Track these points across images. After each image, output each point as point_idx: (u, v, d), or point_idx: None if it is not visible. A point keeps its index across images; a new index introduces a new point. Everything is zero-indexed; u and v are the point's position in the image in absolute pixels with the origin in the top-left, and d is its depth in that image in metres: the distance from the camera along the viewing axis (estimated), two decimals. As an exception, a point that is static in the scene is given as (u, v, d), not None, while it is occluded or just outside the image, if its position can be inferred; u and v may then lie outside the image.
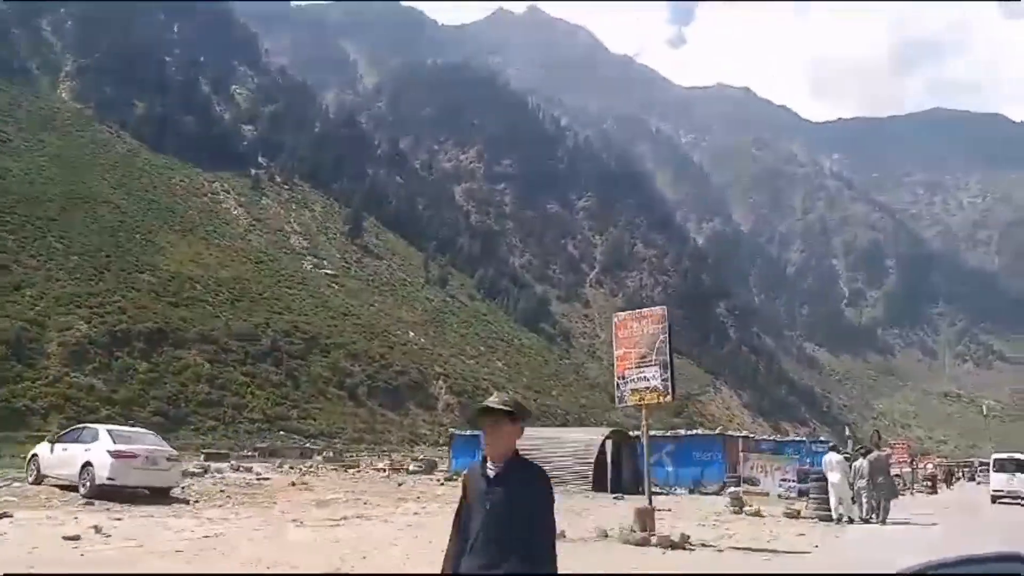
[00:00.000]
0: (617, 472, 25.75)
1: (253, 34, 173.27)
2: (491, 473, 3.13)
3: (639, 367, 12.66)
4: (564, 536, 11.19)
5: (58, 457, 15.90)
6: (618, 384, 13.09)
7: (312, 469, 32.02)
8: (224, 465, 25.11)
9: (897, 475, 34.79)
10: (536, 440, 28.47)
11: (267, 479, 21.06)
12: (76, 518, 11.76)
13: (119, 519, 11.94)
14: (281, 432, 57.80)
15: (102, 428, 16.53)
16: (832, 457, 18.02)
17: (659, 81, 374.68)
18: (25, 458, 18.31)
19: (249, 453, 42.67)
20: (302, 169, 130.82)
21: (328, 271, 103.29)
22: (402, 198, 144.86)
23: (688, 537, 11.07)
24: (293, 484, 20.25)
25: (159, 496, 15.25)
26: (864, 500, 17.78)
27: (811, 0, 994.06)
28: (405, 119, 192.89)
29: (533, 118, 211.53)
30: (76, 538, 9.51)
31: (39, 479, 16.30)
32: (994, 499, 27.59)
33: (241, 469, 24.24)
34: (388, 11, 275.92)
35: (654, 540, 10.81)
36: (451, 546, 3.20)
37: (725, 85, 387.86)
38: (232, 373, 63.35)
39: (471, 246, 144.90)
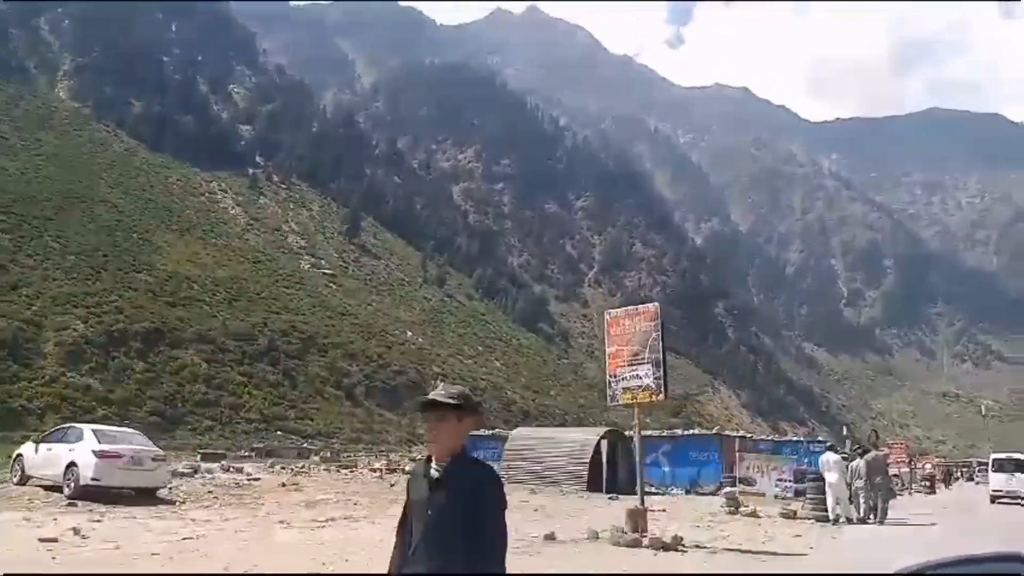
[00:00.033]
0: (612, 472, 25.55)
1: (251, 34, 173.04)
2: (434, 474, 2.82)
3: (631, 365, 12.43)
4: (554, 537, 11.03)
5: (43, 457, 15.67)
6: (610, 382, 12.86)
7: (303, 470, 31.81)
8: (214, 465, 24.86)
9: (895, 475, 34.68)
10: (530, 440, 28.31)
11: (257, 480, 20.84)
12: (55, 520, 11.56)
13: (99, 521, 11.74)
14: (278, 432, 57.58)
15: (87, 428, 16.31)
16: (829, 457, 17.84)
17: (658, 81, 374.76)
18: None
19: (246, 453, 42.45)
20: (300, 169, 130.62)
21: (326, 271, 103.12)
22: (400, 198, 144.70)
23: (681, 538, 10.84)
24: (283, 485, 20.04)
25: (145, 497, 15.02)
26: (862, 500, 17.62)
27: (810, 0, 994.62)
28: (403, 119, 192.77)
29: (532, 118, 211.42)
30: (53, 540, 9.31)
31: (24, 480, 16.07)
32: (993, 499, 27.52)
33: (231, 470, 23.99)
34: (387, 11, 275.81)
35: (646, 541, 10.60)
36: (393, 556, 2.93)
37: (724, 85, 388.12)
38: (229, 373, 63.14)
39: (469, 246, 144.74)
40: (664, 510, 17.93)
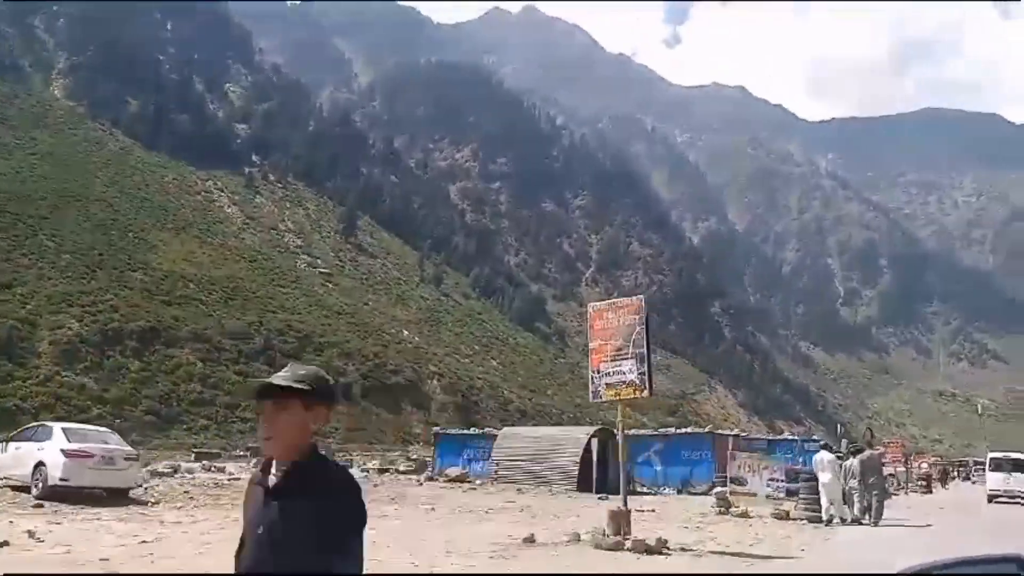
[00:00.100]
0: (603, 471, 25.38)
1: (247, 32, 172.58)
2: (272, 481, 2.21)
3: (615, 360, 11.97)
4: (534, 540, 10.78)
5: (12, 456, 15.30)
6: (593, 378, 12.41)
7: None
8: (195, 465, 24.66)
9: (891, 474, 34.65)
10: (520, 439, 28.17)
11: (238, 479, 20.65)
12: (11, 522, 11.21)
13: (58, 523, 11.44)
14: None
15: (57, 426, 15.96)
16: (823, 456, 17.73)
17: (655, 80, 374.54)
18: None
19: (241, 453, 42.36)
20: (296, 168, 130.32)
21: (322, 270, 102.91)
22: (397, 197, 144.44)
23: (665, 541, 10.56)
24: None
25: (117, 497, 14.65)
26: (856, 501, 17.49)
27: (807, 0, 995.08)
28: (400, 118, 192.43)
29: (529, 117, 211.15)
30: (3, 544, 9.04)
31: None
32: (990, 498, 27.48)
33: (212, 469, 23.78)
34: (383, 10, 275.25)
35: (628, 544, 10.28)
36: None
37: (721, 84, 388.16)
38: (225, 372, 62.88)
39: (466, 245, 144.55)
40: (653, 510, 17.80)
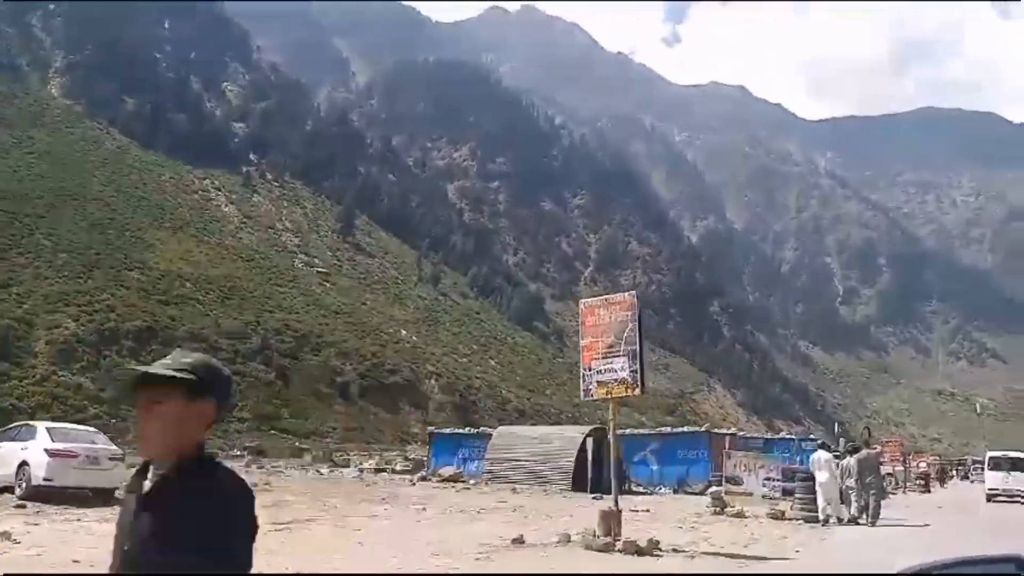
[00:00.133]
0: (598, 471, 25.18)
1: (245, 31, 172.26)
2: (147, 486, 1.91)
3: (606, 358, 11.69)
4: (523, 541, 10.60)
5: None
6: (584, 376, 12.10)
7: (279, 469, 31.44)
8: None
9: (889, 473, 34.53)
10: (515, 438, 28.00)
11: None
12: None
13: (37, 524, 11.25)
14: (272, 431, 57.29)
15: (41, 425, 15.75)
16: (820, 455, 17.57)
17: (654, 80, 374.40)
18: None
19: (238, 453, 42.27)
20: (294, 167, 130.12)
21: (320, 269, 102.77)
22: (395, 196, 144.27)
23: (657, 542, 10.35)
24: (254, 485, 19.59)
25: (103, 497, 14.41)
26: (853, 500, 17.34)
27: (806, 0, 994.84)
28: (398, 117, 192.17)
29: (527, 116, 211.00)
30: None
31: None
32: (989, 497, 27.43)
33: None
34: (381, 8, 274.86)
35: (619, 545, 10.08)
36: None
37: (720, 84, 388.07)
38: (221, 372, 62.77)
39: (464, 244, 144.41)
40: (648, 510, 17.64)
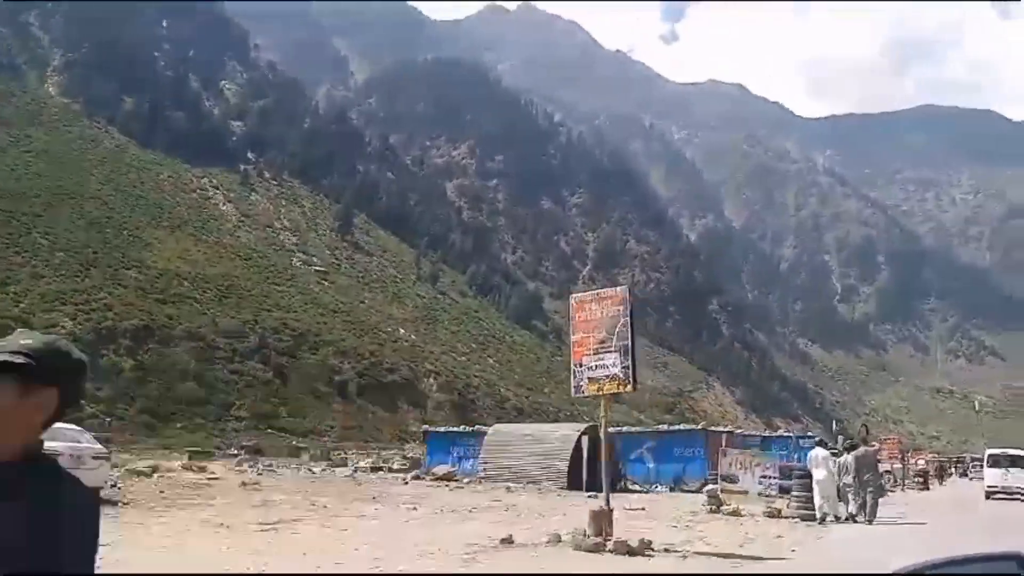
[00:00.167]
0: (594, 469, 25.13)
1: (244, 30, 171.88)
2: None
3: (597, 353, 11.39)
4: (511, 541, 10.44)
5: None
6: (575, 372, 11.77)
7: (271, 468, 31.28)
8: (175, 464, 24.37)
9: (888, 471, 34.43)
10: (510, 436, 27.83)
11: (218, 479, 20.31)
12: None
13: None
14: (269, 430, 57.16)
15: None
16: (818, 453, 17.47)
17: (652, 78, 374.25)
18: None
19: (236, 451, 42.16)
20: (292, 165, 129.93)
21: (318, 268, 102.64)
22: (393, 194, 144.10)
23: (649, 542, 10.17)
24: (244, 484, 19.43)
25: None
26: (850, 498, 17.24)
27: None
28: (397, 115, 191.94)
29: (526, 114, 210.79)
30: None
31: None
32: (988, 495, 27.41)
33: (194, 469, 23.49)
34: (380, 7, 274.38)
35: (609, 545, 9.87)
36: None
37: (718, 82, 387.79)
38: (220, 371, 62.72)
39: (463, 242, 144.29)
40: (643, 509, 17.50)
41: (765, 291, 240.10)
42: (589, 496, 20.82)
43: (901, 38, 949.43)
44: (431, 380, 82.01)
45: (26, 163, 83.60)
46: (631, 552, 9.53)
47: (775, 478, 20.96)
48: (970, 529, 15.73)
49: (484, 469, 25.63)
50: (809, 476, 16.75)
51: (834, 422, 73.11)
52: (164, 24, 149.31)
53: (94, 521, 1.63)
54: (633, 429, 35.20)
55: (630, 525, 12.82)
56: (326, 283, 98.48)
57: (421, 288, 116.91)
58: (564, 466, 24.37)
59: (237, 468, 27.13)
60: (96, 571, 1.59)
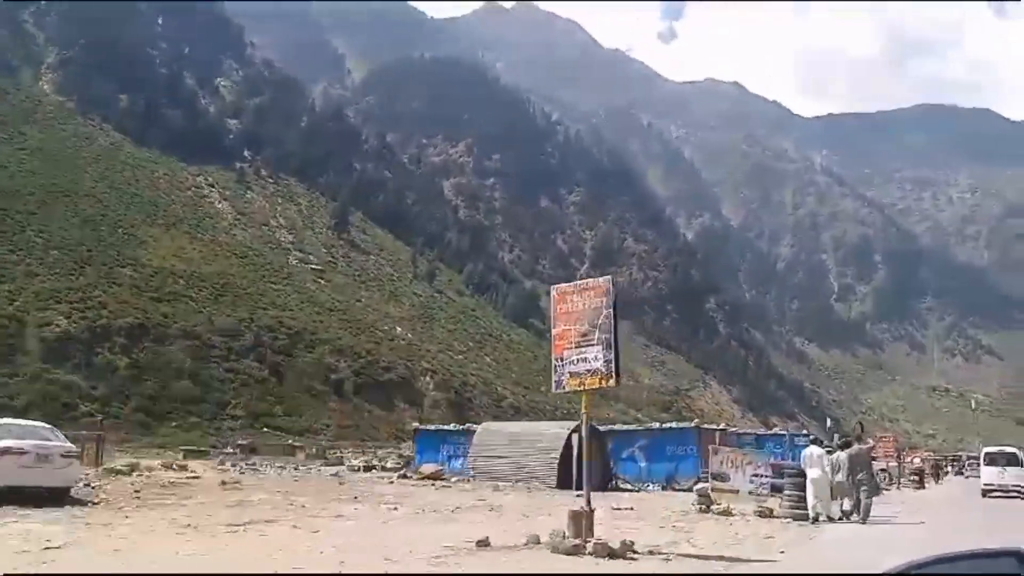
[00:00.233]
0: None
1: (240, 28, 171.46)
2: None
3: (579, 347, 10.99)
4: (488, 543, 10.18)
5: None
6: (556, 367, 11.33)
7: (253, 466, 31.06)
8: (156, 462, 24.15)
9: (883, 469, 34.34)
10: (499, 435, 27.63)
11: (198, 478, 20.07)
12: None
13: None
14: (265, 429, 57.02)
15: None
16: (812, 451, 17.28)
17: (650, 76, 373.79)
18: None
19: (231, 450, 42.01)
20: (288, 163, 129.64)
21: (314, 266, 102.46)
22: (390, 192, 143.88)
23: (632, 543, 9.85)
24: (223, 484, 19.18)
25: (57, 497, 13.76)
26: (844, 497, 17.07)
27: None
28: (394, 113, 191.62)
29: (524, 113, 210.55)
30: None
31: None
32: (985, 493, 27.41)
33: (174, 467, 23.28)
34: (378, 5, 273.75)
35: (589, 547, 9.54)
36: None
37: (716, 80, 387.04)
38: (215, 369, 62.64)
39: (460, 241, 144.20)
40: (632, 508, 17.29)
41: (762, 290, 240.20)
42: (578, 495, 20.60)
43: (899, 37, 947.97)
44: (428, 379, 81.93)
45: (20, 161, 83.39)
46: (612, 554, 9.18)
47: (767, 476, 20.78)
48: (966, 528, 15.59)
49: (473, 468, 25.45)
50: (802, 475, 16.55)
51: (829, 420, 72.71)
52: (160, 22, 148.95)
53: None
54: (626, 427, 35.01)
55: (615, 526, 12.60)
56: (322, 281, 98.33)
57: (418, 286, 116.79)
58: (554, 464, 24.10)
59: (219, 467, 26.85)
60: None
